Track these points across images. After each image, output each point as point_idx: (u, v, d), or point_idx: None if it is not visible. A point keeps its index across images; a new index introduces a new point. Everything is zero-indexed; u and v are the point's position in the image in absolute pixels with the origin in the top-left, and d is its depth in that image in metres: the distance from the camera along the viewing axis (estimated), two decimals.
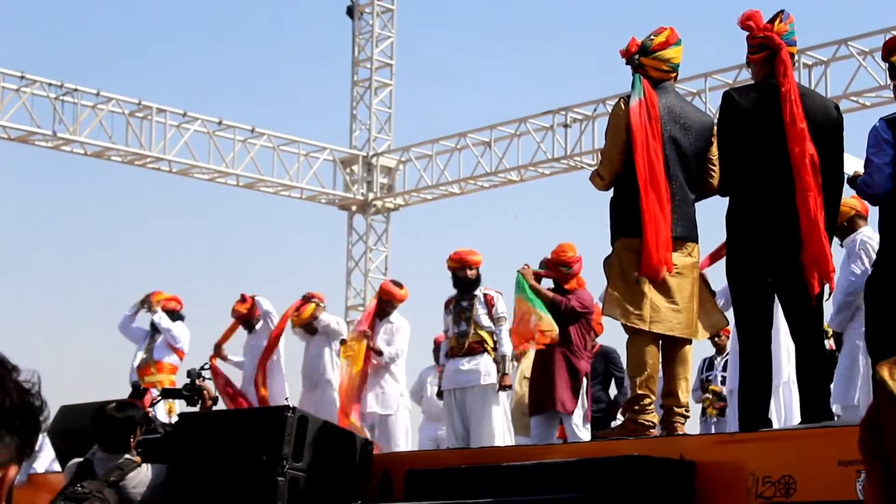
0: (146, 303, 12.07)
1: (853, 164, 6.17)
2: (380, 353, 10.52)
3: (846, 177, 6.16)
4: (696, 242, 6.61)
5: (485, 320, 9.68)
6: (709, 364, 11.15)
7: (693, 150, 6.56)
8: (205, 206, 28.96)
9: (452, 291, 9.88)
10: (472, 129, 19.21)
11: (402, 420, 10.72)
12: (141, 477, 6.33)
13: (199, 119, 18.62)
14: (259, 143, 19.25)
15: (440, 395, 10.04)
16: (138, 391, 7.90)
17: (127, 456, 6.40)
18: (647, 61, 6.60)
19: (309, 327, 11.21)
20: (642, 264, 6.30)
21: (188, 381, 7.45)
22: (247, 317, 11.65)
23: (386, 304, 10.78)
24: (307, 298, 11.26)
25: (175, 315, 12.09)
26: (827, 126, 6.14)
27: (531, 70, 31.53)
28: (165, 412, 11.07)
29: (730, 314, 6.96)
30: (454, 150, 19.44)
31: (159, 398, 8.08)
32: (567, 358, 8.94)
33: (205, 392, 7.37)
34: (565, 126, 17.86)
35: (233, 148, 18.95)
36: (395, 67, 20.77)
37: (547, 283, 9.29)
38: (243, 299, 11.68)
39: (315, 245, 28.28)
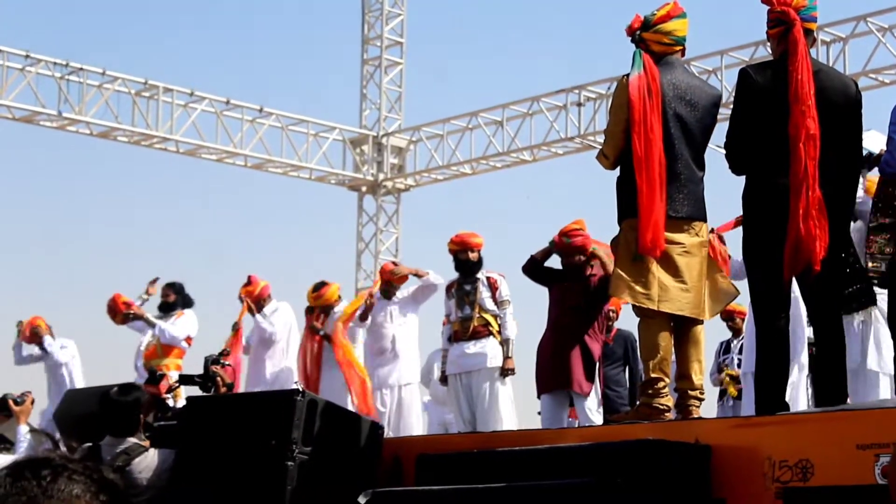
0: (135, 320, 11.96)
1: (879, 141, 6.05)
2: (422, 276, 10.47)
3: (871, 154, 6.05)
4: (705, 221, 6.51)
5: (489, 303, 9.58)
6: (725, 347, 11.05)
7: (700, 127, 6.46)
8: (212, 187, 28.88)
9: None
10: (484, 109, 19.10)
11: (415, 399, 10.68)
12: (147, 461, 6.27)
13: (207, 98, 18.54)
14: (267, 123, 19.18)
15: (444, 379, 9.95)
16: (155, 376, 7.81)
17: (134, 440, 6.35)
18: (648, 35, 6.50)
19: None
20: (637, 243, 6.22)
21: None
22: (259, 299, 11.54)
23: (386, 283, 10.69)
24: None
25: (173, 305, 11.96)
26: (844, 104, 6.03)
27: (544, 48, 31.39)
28: (173, 397, 11.01)
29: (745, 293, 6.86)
30: (466, 129, 19.34)
31: (177, 384, 7.96)
32: (582, 338, 8.81)
33: (218, 379, 7.26)
34: (579, 105, 17.74)
35: (241, 128, 18.89)
36: (406, 46, 20.68)
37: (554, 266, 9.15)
38: (249, 282, 11.58)
39: (324, 226, 28.24)
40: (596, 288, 8.73)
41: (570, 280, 8.84)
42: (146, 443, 6.45)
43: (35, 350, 12.68)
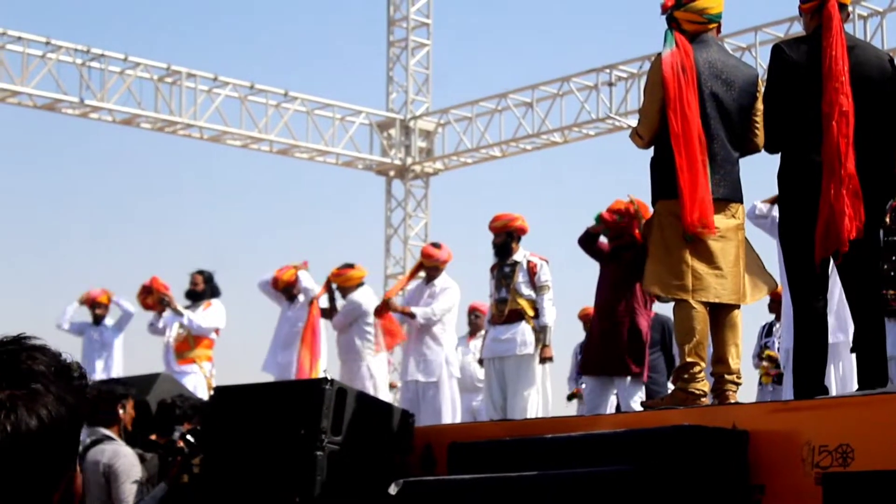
0: (165, 306, 11.83)
1: None
2: (412, 316, 10.28)
3: None
4: (741, 203, 6.38)
5: (524, 288, 9.43)
6: (768, 330, 10.88)
7: (736, 107, 6.33)
8: (238, 173, 28.83)
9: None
10: (513, 90, 18.94)
11: (446, 389, 10.43)
12: (107, 455, 6.30)
13: (231, 83, 18.44)
14: (293, 108, 19.08)
15: (481, 362, 9.85)
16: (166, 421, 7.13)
17: (103, 431, 6.34)
18: (680, 14, 6.39)
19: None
20: (684, 227, 6.09)
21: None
22: (287, 286, 11.48)
23: (431, 269, 10.49)
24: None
25: (201, 294, 11.88)
26: (879, 79, 5.92)
27: (574, 27, 31.15)
28: (206, 388, 10.97)
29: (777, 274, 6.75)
30: (495, 111, 19.20)
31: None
32: (631, 315, 8.62)
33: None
34: (610, 85, 17.54)
35: (265, 113, 18.79)
36: (433, 27, 20.52)
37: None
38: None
39: (352, 212, 28.15)
40: (637, 254, 8.56)
41: (618, 259, 8.68)
42: (116, 437, 6.42)
43: (87, 319, 12.47)
